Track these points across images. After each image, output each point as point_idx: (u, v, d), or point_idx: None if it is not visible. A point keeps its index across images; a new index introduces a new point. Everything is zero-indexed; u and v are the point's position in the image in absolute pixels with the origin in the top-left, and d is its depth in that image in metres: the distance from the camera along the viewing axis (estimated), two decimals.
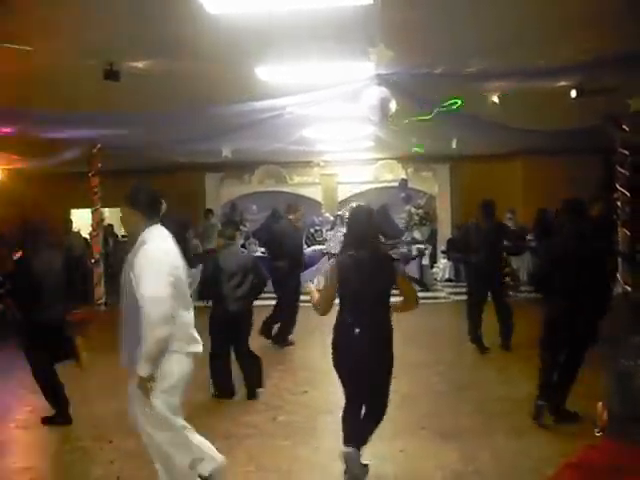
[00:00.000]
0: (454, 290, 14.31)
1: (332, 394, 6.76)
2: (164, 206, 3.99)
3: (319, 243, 15.43)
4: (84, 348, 6.13)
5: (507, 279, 12.93)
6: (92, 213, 12.68)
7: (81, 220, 14.81)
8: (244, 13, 5.42)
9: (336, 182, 17.26)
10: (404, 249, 14.01)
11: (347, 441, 4.43)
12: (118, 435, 5.46)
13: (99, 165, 12.27)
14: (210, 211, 15.11)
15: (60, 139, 10.03)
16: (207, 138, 10.47)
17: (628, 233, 10.47)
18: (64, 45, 6.10)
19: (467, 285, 9.30)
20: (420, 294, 5.67)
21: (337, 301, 4.51)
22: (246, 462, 4.95)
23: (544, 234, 10.40)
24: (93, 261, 12.43)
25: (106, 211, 14.36)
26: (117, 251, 13.15)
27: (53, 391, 6.02)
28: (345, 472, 4.38)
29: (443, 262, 15.97)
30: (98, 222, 12.71)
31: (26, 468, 5.13)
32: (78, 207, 15.33)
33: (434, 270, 15.45)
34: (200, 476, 3.94)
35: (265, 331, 9.11)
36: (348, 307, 4.44)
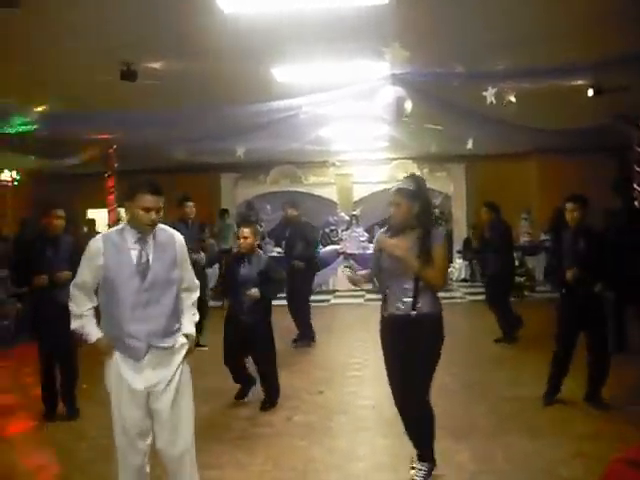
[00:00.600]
0: (469, 290, 14.28)
1: (348, 394, 6.79)
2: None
3: (335, 243, 15.44)
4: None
5: (522, 279, 12.93)
6: (109, 213, 12.80)
7: (98, 220, 14.94)
8: (260, 13, 5.45)
9: (351, 182, 17.27)
10: None
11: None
12: None
13: (115, 165, 12.38)
14: (226, 211, 15.20)
15: (76, 140, 10.11)
16: (221, 138, 10.51)
17: None
18: (81, 45, 6.14)
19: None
20: None
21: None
22: (262, 461, 4.96)
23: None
24: None
25: (122, 211, 14.44)
26: None
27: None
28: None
29: (459, 262, 15.92)
30: (115, 221, 12.79)
31: (41, 466, 5.14)
32: (95, 207, 15.45)
33: (450, 270, 15.40)
34: None
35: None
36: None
